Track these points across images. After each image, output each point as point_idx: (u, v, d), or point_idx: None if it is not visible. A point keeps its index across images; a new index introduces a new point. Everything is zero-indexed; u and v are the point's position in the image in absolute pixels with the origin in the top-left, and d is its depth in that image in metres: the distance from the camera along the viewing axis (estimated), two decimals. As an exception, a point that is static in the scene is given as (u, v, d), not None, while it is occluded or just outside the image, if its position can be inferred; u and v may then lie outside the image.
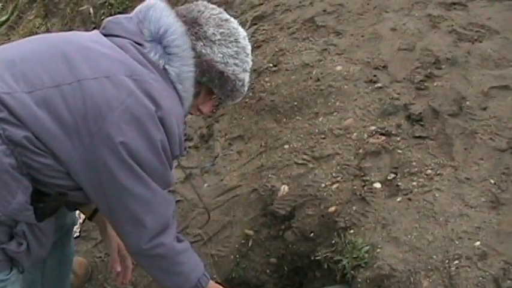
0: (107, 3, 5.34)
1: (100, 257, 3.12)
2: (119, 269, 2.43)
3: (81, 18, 5.75)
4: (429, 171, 2.74)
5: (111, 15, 4.96)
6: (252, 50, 3.74)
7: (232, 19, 2.10)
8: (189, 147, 3.50)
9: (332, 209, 2.74)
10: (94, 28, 4.84)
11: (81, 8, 5.74)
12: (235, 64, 2.05)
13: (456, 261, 2.33)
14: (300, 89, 3.37)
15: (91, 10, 5.58)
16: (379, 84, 3.22)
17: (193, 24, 1.99)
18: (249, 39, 3.82)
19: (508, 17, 3.57)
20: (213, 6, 2.09)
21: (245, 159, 3.25)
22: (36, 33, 5.41)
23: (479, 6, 3.71)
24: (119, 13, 4.77)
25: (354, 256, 2.50)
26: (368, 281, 2.42)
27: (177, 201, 3.17)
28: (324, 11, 3.92)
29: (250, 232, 2.93)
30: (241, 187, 3.09)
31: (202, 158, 3.45)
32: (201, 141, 3.55)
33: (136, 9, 2.04)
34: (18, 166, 1.77)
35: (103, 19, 4.90)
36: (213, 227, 2.98)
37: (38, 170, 1.81)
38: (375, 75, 3.28)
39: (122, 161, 1.82)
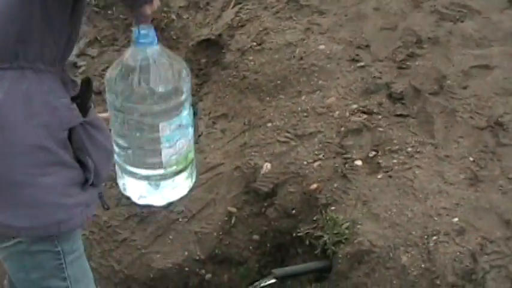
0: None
1: (84, 234, 3.14)
2: None
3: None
4: (409, 149, 2.77)
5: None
6: (236, 29, 3.80)
7: None
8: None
9: (314, 186, 2.76)
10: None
11: None
12: None
13: (435, 237, 2.37)
14: (283, 67, 3.39)
15: None
16: (362, 63, 3.25)
17: None
18: (233, 18, 3.88)
19: (490, -3, 3.60)
20: None
21: (228, 137, 3.27)
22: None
23: (461, -14, 3.74)
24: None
25: (335, 232, 2.54)
26: (348, 256, 2.46)
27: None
28: (308, -10, 3.93)
29: (233, 209, 2.95)
30: (224, 165, 3.11)
31: (186, 137, 3.47)
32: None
33: None
34: None
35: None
36: (196, 205, 3.00)
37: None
38: (357, 55, 3.32)
39: None
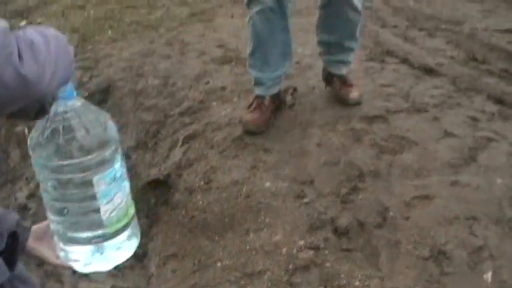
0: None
1: None
2: None
3: (16, 139, 5.78)
4: (357, 283, 2.81)
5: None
6: (184, 169, 3.88)
7: None
8: (124, 268, 3.52)
9: (265, 325, 2.77)
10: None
11: (16, 129, 5.78)
12: None
13: None
14: (230, 206, 3.45)
15: (26, 131, 5.62)
16: (307, 200, 3.33)
17: None
18: (181, 158, 3.96)
19: (426, 128, 3.78)
20: None
21: (179, 277, 3.26)
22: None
23: (399, 118, 3.92)
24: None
25: None
26: None
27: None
28: (253, 128, 4.06)
29: None
30: (175, 307, 3.10)
31: (137, 278, 3.46)
32: (135, 261, 3.56)
33: None
34: None
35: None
36: None
37: None
38: (302, 191, 3.40)
39: None
